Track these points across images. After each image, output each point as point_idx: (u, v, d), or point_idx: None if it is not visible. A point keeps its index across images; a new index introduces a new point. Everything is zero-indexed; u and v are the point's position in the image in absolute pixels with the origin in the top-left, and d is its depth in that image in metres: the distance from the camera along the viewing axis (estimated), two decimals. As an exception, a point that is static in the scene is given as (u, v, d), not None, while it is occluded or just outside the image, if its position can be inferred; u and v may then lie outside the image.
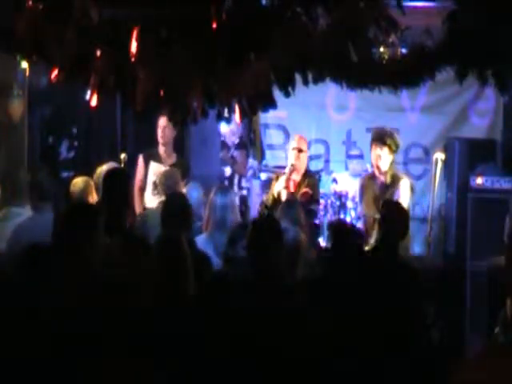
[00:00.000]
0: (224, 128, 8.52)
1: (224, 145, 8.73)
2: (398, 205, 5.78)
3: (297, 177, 7.35)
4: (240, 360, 3.77)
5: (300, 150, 7.38)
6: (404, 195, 6.94)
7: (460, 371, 2.71)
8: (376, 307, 4.47)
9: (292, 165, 7.30)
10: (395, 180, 7.05)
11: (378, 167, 7.10)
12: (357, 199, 7.46)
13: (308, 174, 7.47)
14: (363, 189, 7.24)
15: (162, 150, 7.61)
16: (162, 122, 7.45)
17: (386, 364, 4.16)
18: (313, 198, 7.23)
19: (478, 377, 2.66)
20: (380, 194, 6.98)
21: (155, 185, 7.35)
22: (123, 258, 4.47)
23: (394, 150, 7.08)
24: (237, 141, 8.61)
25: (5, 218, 5.75)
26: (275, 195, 7.25)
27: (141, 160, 7.68)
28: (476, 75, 4.92)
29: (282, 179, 7.28)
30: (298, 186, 7.31)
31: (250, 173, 8.48)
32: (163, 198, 6.62)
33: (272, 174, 7.90)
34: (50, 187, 6.05)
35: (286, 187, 7.24)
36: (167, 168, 7.27)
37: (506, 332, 4.51)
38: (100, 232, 4.26)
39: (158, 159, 7.59)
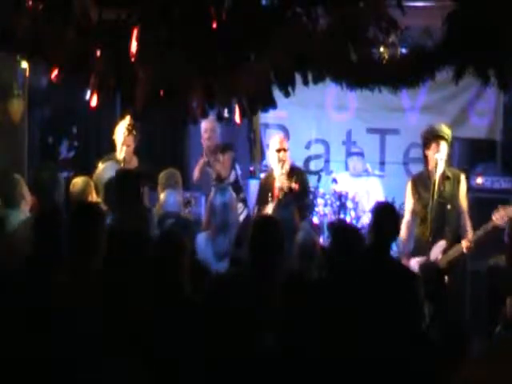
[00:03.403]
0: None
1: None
2: (389, 206, 5.60)
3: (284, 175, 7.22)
4: (240, 360, 3.77)
5: (284, 150, 7.29)
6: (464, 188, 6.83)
7: (461, 370, 2.72)
8: (377, 307, 4.48)
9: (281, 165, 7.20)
10: (455, 174, 6.83)
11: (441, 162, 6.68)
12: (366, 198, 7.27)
13: (293, 172, 7.32)
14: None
15: (122, 154, 7.11)
16: (123, 125, 7.10)
17: (386, 364, 4.16)
18: (301, 193, 7.13)
19: (478, 376, 2.67)
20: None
21: None
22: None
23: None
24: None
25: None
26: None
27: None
28: (476, 75, 4.92)
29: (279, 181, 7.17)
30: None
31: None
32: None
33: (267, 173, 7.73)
34: (54, 187, 6.07)
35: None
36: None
37: (506, 331, 4.51)
38: (104, 231, 4.27)
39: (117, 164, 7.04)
